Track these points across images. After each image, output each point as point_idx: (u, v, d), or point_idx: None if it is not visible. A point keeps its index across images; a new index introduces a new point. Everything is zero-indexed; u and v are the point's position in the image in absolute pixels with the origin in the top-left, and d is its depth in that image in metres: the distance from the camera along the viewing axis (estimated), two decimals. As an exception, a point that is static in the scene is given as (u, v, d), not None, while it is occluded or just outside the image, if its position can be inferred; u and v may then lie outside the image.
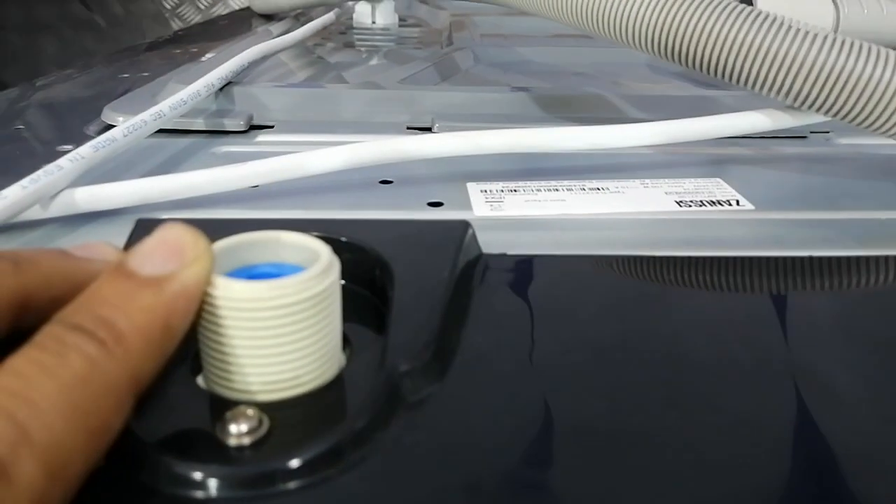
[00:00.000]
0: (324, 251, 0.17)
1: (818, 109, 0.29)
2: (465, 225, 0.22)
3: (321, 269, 0.16)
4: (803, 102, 0.29)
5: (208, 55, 0.50)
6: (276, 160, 0.28)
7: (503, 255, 0.23)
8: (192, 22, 1.09)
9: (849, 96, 0.28)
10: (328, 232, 0.20)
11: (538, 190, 0.30)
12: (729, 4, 0.30)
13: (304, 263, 0.16)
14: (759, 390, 0.18)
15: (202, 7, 1.11)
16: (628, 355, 0.19)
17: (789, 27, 0.29)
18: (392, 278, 0.19)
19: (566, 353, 0.19)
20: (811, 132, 0.38)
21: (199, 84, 0.36)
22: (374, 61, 0.56)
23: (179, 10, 1.11)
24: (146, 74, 0.49)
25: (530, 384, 0.17)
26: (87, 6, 1.08)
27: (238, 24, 0.73)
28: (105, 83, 0.48)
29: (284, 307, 0.15)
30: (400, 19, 0.74)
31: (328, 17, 0.67)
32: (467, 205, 0.29)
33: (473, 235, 0.22)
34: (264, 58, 0.49)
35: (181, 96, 0.34)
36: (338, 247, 0.18)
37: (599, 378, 0.18)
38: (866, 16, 0.47)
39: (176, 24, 1.11)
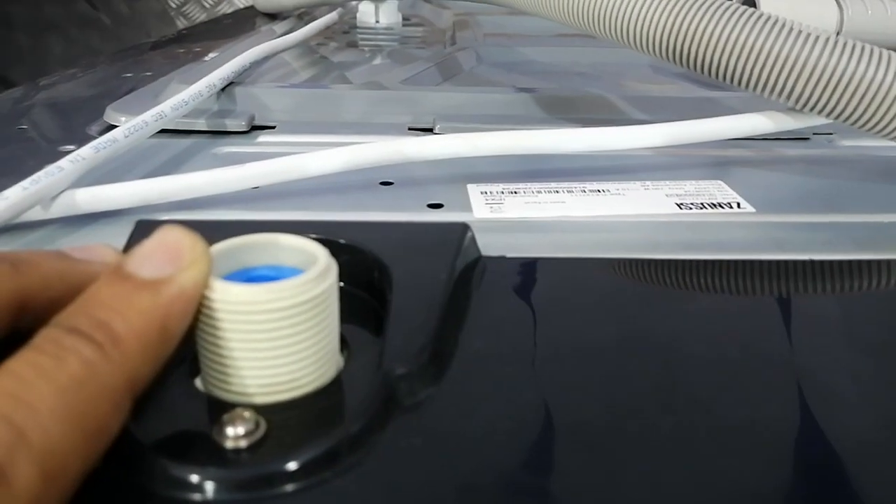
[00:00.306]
0: (321, 254, 0.17)
1: (820, 112, 0.29)
2: (464, 227, 0.22)
3: (318, 272, 0.16)
4: (805, 105, 0.29)
5: (211, 55, 0.50)
6: (276, 162, 0.28)
7: (502, 258, 0.23)
8: (197, 20, 1.09)
9: (850, 99, 0.28)
10: (327, 234, 0.20)
11: (538, 192, 0.30)
12: (731, 6, 0.30)
13: (302, 266, 0.17)
14: (759, 394, 0.18)
15: (207, 6, 1.11)
16: (627, 359, 0.19)
17: (791, 29, 0.28)
18: (390, 280, 0.20)
19: (564, 357, 0.19)
20: (814, 134, 0.38)
21: (200, 84, 0.36)
22: (377, 61, 0.56)
23: (184, 8, 1.11)
24: (149, 74, 0.49)
25: (528, 388, 0.17)
26: (92, 5, 1.08)
27: (242, 24, 0.73)
28: (108, 82, 0.48)
29: (281, 310, 0.15)
30: (403, 18, 0.74)
31: (331, 16, 0.68)
32: (467, 206, 0.29)
33: (472, 238, 0.22)
34: (267, 57, 0.49)
35: (183, 97, 0.34)
36: (336, 249, 0.18)
37: (598, 382, 0.18)
38: (870, 17, 0.46)
39: (181, 23, 1.11)
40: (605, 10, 0.32)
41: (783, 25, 0.29)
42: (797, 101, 0.29)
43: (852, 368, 0.19)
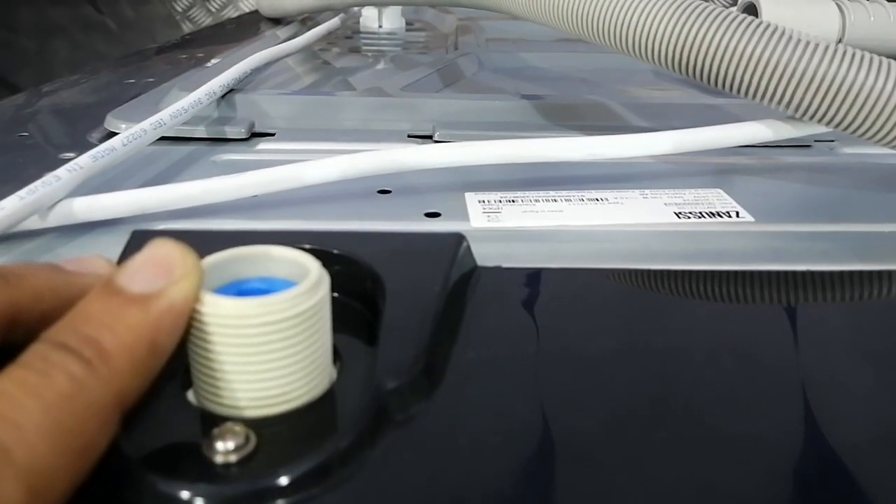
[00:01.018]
0: (313, 267, 0.17)
1: (820, 120, 0.29)
2: (459, 238, 0.22)
3: (309, 285, 0.16)
4: (805, 113, 0.29)
5: (214, 60, 0.50)
6: (274, 171, 0.28)
7: (498, 268, 0.23)
8: (203, 25, 1.09)
9: (850, 107, 0.28)
10: (321, 244, 0.20)
11: (536, 200, 0.30)
12: (730, 15, 0.30)
13: (294, 278, 0.16)
14: (757, 405, 0.18)
15: (213, 10, 1.11)
16: (623, 371, 0.19)
17: (790, 38, 0.28)
18: (384, 291, 0.19)
19: (560, 369, 0.19)
20: (815, 141, 0.38)
21: (200, 92, 0.36)
22: (379, 66, 0.56)
23: (190, 12, 1.12)
24: (152, 80, 0.49)
25: (522, 401, 0.17)
26: (98, 9, 1.08)
27: (246, 28, 0.73)
28: (110, 89, 0.48)
29: (272, 324, 0.15)
30: (407, 23, 0.74)
31: (333, 22, 0.68)
32: (465, 215, 0.29)
33: (468, 248, 0.22)
34: (269, 63, 0.49)
35: (182, 104, 0.34)
36: (329, 259, 0.18)
37: (594, 394, 0.18)
38: (873, 23, 0.46)
39: (187, 27, 1.11)
40: (605, 18, 0.32)
41: (782, 34, 0.29)
42: (797, 109, 0.29)
43: (851, 380, 0.19)
